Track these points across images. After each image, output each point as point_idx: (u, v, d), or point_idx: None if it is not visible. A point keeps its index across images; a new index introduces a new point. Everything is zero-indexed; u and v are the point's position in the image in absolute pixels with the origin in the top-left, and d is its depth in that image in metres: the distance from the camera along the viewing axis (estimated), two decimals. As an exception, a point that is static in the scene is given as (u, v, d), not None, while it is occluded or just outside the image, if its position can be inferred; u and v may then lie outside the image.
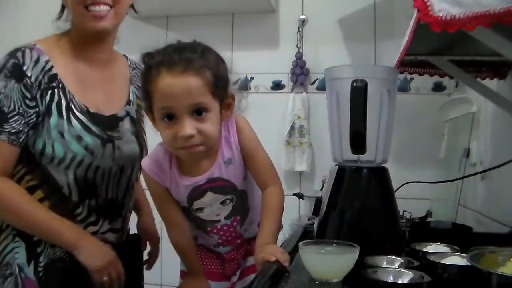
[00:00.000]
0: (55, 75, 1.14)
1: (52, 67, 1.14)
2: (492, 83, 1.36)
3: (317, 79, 2.23)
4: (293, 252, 1.01)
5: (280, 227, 1.13)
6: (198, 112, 0.98)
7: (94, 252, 1.13)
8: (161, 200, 1.14)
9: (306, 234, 1.23)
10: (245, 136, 1.10)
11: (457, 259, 0.88)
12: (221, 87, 1.02)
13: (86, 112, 1.17)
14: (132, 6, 1.27)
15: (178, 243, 1.17)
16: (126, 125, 1.26)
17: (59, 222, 1.12)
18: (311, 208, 1.19)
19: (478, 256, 0.77)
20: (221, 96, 1.02)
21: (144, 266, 1.46)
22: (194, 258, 1.18)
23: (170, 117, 0.98)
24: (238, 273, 1.22)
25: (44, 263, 1.14)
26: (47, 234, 1.12)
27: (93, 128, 1.17)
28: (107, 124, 1.20)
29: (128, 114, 1.27)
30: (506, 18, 0.76)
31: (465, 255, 0.84)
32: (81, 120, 1.15)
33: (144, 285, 1.45)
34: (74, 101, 1.15)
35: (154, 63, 0.99)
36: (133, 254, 1.39)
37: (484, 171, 1.37)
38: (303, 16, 2.24)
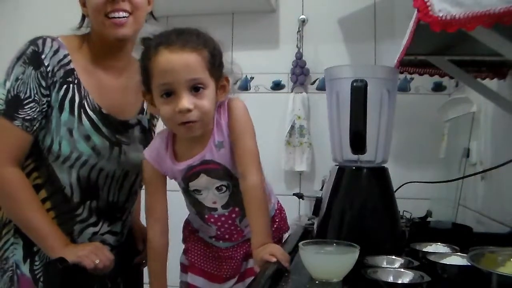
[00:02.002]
0: (72, 70, 1.15)
1: (70, 61, 1.15)
2: (492, 83, 1.36)
3: (317, 79, 2.23)
4: (293, 252, 1.02)
5: (270, 219, 1.11)
6: (196, 88, 1.01)
7: (77, 247, 1.12)
8: (151, 189, 1.13)
9: (306, 234, 1.23)
10: (234, 118, 1.08)
11: (457, 259, 0.88)
12: (217, 66, 1.05)
13: (99, 112, 1.17)
14: (151, 13, 1.27)
15: (153, 244, 1.12)
16: (136, 132, 1.27)
17: (49, 225, 1.10)
18: (311, 208, 1.19)
19: (478, 256, 0.77)
20: (217, 75, 1.05)
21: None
22: (162, 274, 1.13)
23: (169, 93, 1.01)
24: (236, 278, 1.20)
25: (39, 262, 1.14)
26: (35, 233, 1.10)
27: (103, 129, 1.17)
28: (117, 128, 1.21)
29: (139, 122, 1.28)
30: (506, 18, 0.76)
31: (465, 255, 0.84)
32: (92, 119, 1.16)
33: (144, 285, 1.45)
34: (88, 99, 1.16)
35: (153, 43, 1.03)
36: (132, 254, 1.39)
37: (484, 171, 1.37)
38: (303, 16, 2.24)
